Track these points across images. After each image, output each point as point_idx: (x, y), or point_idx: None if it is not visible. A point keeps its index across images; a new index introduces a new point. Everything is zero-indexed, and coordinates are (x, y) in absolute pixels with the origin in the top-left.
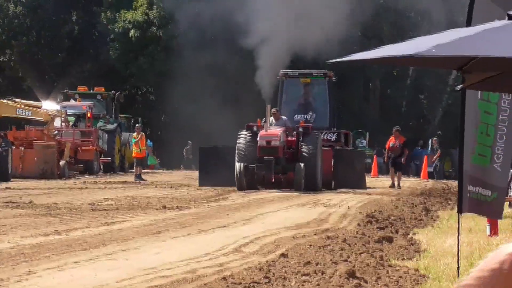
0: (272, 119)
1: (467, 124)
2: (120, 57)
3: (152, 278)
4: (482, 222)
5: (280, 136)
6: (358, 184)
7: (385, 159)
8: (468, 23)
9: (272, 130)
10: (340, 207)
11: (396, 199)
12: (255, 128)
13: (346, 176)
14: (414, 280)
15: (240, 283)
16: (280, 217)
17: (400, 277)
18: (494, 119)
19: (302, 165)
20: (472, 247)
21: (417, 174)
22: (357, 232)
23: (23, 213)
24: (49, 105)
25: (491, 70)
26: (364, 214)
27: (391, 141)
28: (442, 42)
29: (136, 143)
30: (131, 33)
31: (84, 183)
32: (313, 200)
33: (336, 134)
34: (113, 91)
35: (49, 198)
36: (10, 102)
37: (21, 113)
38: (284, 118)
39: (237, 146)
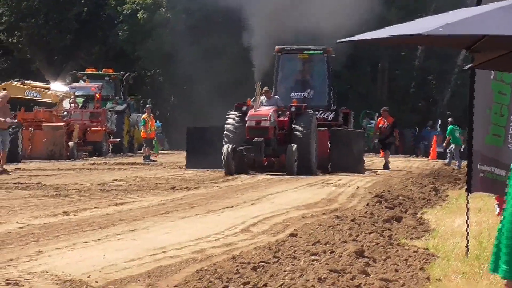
0: (263, 98)
1: (478, 105)
2: (128, 39)
3: (161, 258)
4: (491, 202)
5: (270, 116)
6: (355, 167)
7: (373, 140)
8: (478, 2)
9: (262, 110)
10: (349, 187)
11: (405, 179)
12: (244, 108)
13: (343, 158)
14: (423, 260)
15: (249, 262)
16: (289, 197)
17: (409, 257)
18: (507, 99)
19: (294, 147)
20: (481, 226)
21: (426, 154)
22: (366, 212)
23: (32, 194)
24: (58, 87)
25: (500, 49)
26: (373, 194)
27: (380, 122)
28: (450, 21)
29: (146, 123)
30: (140, 15)
31: (93, 164)
32: (322, 180)
33: (333, 113)
34: (121, 73)
35: (58, 179)
36: (19, 84)
37: (30, 94)
38: (276, 97)
39: (225, 127)
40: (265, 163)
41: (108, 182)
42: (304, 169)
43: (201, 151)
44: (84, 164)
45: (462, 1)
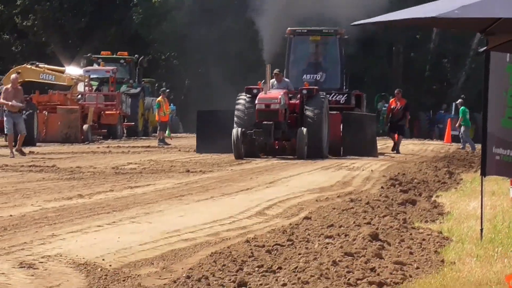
0: (274, 81)
1: (494, 87)
2: (143, 22)
3: (175, 241)
4: (505, 185)
5: (280, 99)
6: (368, 150)
7: (385, 122)
8: None
9: (272, 93)
10: (363, 170)
11: (420, 162)
12: (255, 91)
13: (356, 142)
14: (437, 243)
15: (263, 245)
16: (304, 180)
17: (423, 240)
18: None
19: (305, 130)
20: (496, 210)
21: (441, 137)
22: (380, 195)
23: (47, 177)
24: (73, 70)
25: None
26: (387, 177)
27: (392, 104)
28: (465, 4)
29: (161, 106)
30: None
31: (108, 147)
32: (336, 164)
33: (346, 96)
34: (136, 56)
35: (72, 162)
36: (33, 67)
37: (44, 77)
38: (287, 80)
39: (235, 110)
40: (277, 147)
41: (123, 165)
42: (315, 153)
43: (211, 135)
44: (98, 147)
45: None
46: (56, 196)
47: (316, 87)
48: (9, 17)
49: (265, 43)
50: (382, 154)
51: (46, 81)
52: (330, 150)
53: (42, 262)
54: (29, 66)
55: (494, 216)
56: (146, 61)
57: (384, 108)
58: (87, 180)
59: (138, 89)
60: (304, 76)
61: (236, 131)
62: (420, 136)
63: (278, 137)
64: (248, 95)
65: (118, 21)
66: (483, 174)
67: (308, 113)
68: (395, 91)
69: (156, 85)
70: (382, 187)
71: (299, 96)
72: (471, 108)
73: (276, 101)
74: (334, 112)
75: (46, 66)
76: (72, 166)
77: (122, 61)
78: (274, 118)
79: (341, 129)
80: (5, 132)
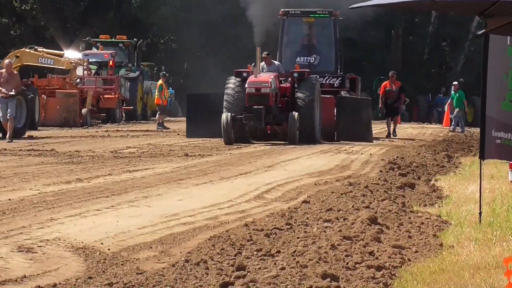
0: (264, 64)
1: (493, 71)
2: (142, 6)
3: (174, 225)
4: (504, 169)
5: (270, 83)
6: (363, 135)
7: (380, 105)
8: None
9: (262, 76)
10: (362, 154)
11: (419, 146)
12: (245, 74)
13: (350, 126)
14: (436, 226)
15: (262, 229)
16: (302, 164)
17: (422, 223)
18: None
19: (296, 114)
20: (494, 193)
21: (440, 121)
22: (379, 179)
23: (45, 161)
24: (71, 54)
25: None
26: (386, 161)
27: (386, 86)
28: None
29: (162, 90)
30: None
31: (106, 131)
32: (335, 148)
33: (340, 79)
34: (135, 40)
35: (71, 146)
36: (32, 51)
37: (43, 61)
38: (277, 63)
39: (225, 95)
40: (269, 132)
41: (122, 149)
42: (307, 138)
43: (201, 119)
44: (97, 131)
45: None
46: (55, 180)
47: (307, 69)
48: (7, 1)
49: (255, 25)
50: (377, 138)
51: (45, 65)
52: (323, 135)
53: (40, 246)
54: (28, 50)
55: (493, 200)
56: (144, 45)
57: None
58: (85, 164)
59: (137, 73)
60: (298, 58)
61: (225, 115)
62: (419, 120)
63: (269, 122)
64: (237, 79)
65: (117, 5)
66: (482, 157)
67: (299, 96)
68: (390, 73)
69: (155, 68)
70: (380, 171)
71: (290, 79)
72: (470, 91)
73: (267, 84)
74: (328, 96)
75: (44, 50)
76: (70, 150)
77: (121, 45)
78: (264, 102)
79: (335, 113)
80: (0, 119)
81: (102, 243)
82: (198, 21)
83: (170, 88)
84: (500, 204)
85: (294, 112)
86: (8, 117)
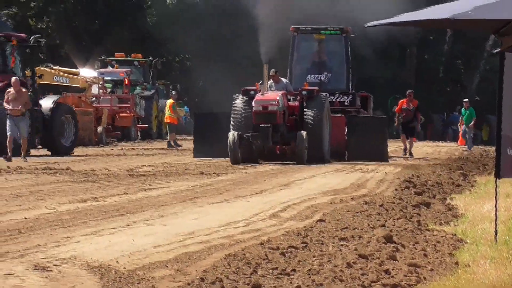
0: (271, 82)
1: (510, 89)
2: (157, 24)
3: (189, 244)
4: None
5: (278, 100)
6: (377, 155)
7: (396, 123)
8: None
9: (270, 94)
10: (377, 172)
11: (434, 165)
12: (252, 93)
13: (362, 146)
14: (451, 245)
15: (278, 248)
16: (318, 182)
17: (438, 242)
18: None
19: (304, 133)
20: (510, 211)
21: (455, 139)
22: (394, 197)
23: (61, 179)
24: (87, 72)
25: None
26: (401, 179)
27: (403, 104)
28: (479, 5)
29: (172, 108)
30: (168, 0)
31: (122, 149)
32: (350, 166)
33: (350, 97)
34: (150, 58)
35: (86, 164)
36: (47, 69)
37: (58, 80)
38: (285, 80)
39: (232, 113)
40: (278, 151)
41: (137, 167)
42: (316, 157)
43: (209, 139)
44: (112, 150)
45: None
46: (70, 199)
47: (316, 88)
48: (23, 19)
49: (261, 42)
50: (390, 158)
51: (60, 83)
52: (333, 154)
53: (56, 265)
54: (43, 68)
55: (508, 218)
56: (160, 63)
57: None
58: (101, 182)
59: (152, 91)
60: (308, 76)
61: (232, 134)
62: (434, 138)
63: (276, 141)
64: (244, 97)
65: (132, 23)
66: (497, 176)
67: (308, 115)
68: (407, 92)
69: (171, 87)
70: (396, 189)
71: (298, 97)
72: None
73: (274, 102)
74: (338, 114)
75: (60, 68)
76: (86, 168)
77: (136, 63)
78: (272, 120)
79: (345, 132)
80: (7, 133)
81: (117, 262)
82: (212, 39)
83: (185, 106)
84: None
85: (302, 131)
86: (19, 139)
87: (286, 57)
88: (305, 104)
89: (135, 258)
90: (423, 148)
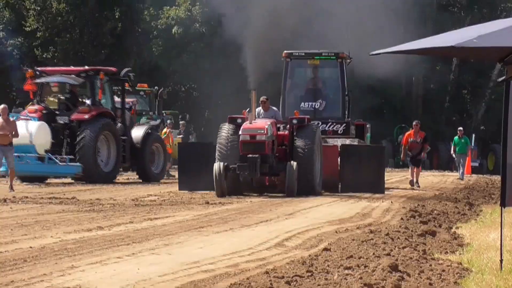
0: (260, 109)
1: None
2: (163, 54)
3: (194, 273)
4: None
5: (267, 129)
6: (373, 186)
7: (402, 156)
8: None
9: (258, 122)
10: (383, 201)
11: (440, 194)
12: (239, 121)
13: (357, 176)
14: (457, 274)
15: (283, 277)
16: (323, 212)
17: (443, 271)
18: None
19: (294, 164)
20: None
21: None
22: (400, 226)
23: (66, 209)
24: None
25: None
26: (407, 209)
27: (410, 136)
28: (483, 33)
29: (167, 137)
30: (174, 29)
31: (127, 179)
32: (356, 195)
33: (344, 125)
34: (156, 88)
35: (92, 194)
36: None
37: None
38: (275, 108)
39: (217, 142)
40: (267, 183)
41: (142, 197)
42: (307, 189)
43: (194, 170)
44: (118, 179)
45: (496, 14)
46: (76, 228)
47: (307, 116)
48: (29, 49)
49: (249, 66)
50: (390, 189)
51: None
52: (326, 186)
53: None
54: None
55: None
56: (165, 93)
57: None
58: (106, 212)
59: (158, 121)
60: (302, 104)
61: (217, 165)
62: (439, 168)
63: (265, 172)
64: (231, 126)
65: (138, 53)
66: (503, 205)
67: (298, 145)
68: (414, 123)
69: (180, 116)
70: (402, 219)
71: (288, 126)
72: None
73: (263, 131)
74: (330, 144)
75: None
76: (91, 198)
77: (141, 93)
78: (260, 150)
79: (338, 163)
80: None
81: None
82: (218, 69)
83: (190, 136)
84: None
85: (292, 162)
86: (8, 170)
87: (276, 84)
88: (295, 133)
89: (141, 287)
90: (429, 178)
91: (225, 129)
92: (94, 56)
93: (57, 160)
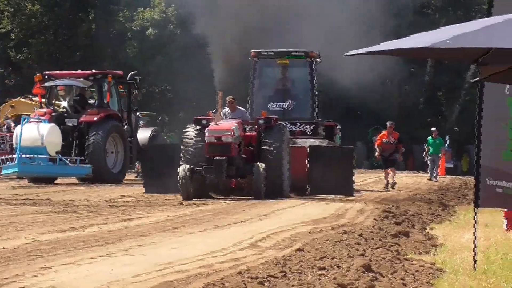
0: (227, 109)
1: (490, 120)
2: (137, 56)
3: (168, 273)
4: (499, 217)
5: (233, 130)
6: (342, 188)
7: (377, 156)
8: (488, 13)
9: (224, 123)
10: (357, 202)
11: (414, 195)
12: (204, 122)
13: (326, 179)
14: (430, 274)
15: (256, 277)
16: (297, 212)
17: (417, 271)
18: None
19: (262, 166)
20: (489, 241)
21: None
22: (373, 227)
23: (40, 210)
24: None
25: (507, 62)
26: (381, 209)
27: (384, 137)
28: (457, 34)
29: None
30: (149, 31)
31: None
32: (330, 196)
33: (312, 126)
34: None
35: (66, 195)
36: (27, 101)
37: None
38: (241, 109)
39: (182, 144)
40: (234, 186)
41: (116, 198)
42: (275, 192)
43: (159, 173)
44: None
45: (471, 15)
46: (49, 229)
47: (275, 116)
48: (3, 50)
49: (215, 66)
50: (358, 191)
51: None
52: (294, 188)
53: None
54: (23, 100)
55: (487, 248)
56: (140, 95)
57: None
58: (80, 213)
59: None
60: (271, 104)
61: (183, 168)
62: (414, 169)
63: (231, 174)
64: (197, 127)
65: (113, 55)
66: (476, 205)
67: (265, 146)
68: (387, 124)
69: (158, 118)
70: (375, 219)
71: (255, 127)
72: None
73: (229, 133)
74: (298, 145)
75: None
76: (65, 199)
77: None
78: (226, 152)
79: (307, 165)
80: None
81: None
82: (192, 70)
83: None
84: (494, 252)
85: (259, 163)
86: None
87: (243, 84)
88: (262, 134)
89: None
90: (403, 179)
91: (191, 131)
92: (69, 57)
93: (67, 162)
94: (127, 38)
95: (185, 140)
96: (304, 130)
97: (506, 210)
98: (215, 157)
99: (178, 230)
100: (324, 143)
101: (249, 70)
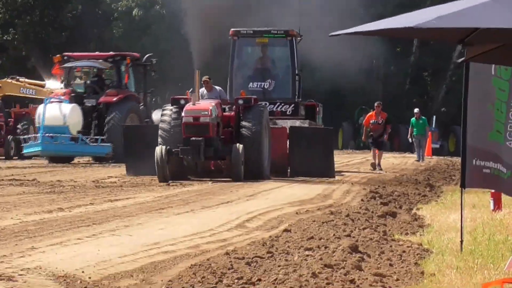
0: (204, 90)
1: (477, 100)
2: (123, 36)
3: (155, 254)
4: (485, 198)
5: (211, 110)
6: (323, 170)
7: (363, 137)
8: None
9: (202, 103)
10: (343, 183)
11: (400, 175)
12: (182, 102)
13: (307, 161)
14: (417, 255)
15: (243, 258)
16: (284, 193)
17: (404, 252)
18: (506, 96)
19: (241, 147)
20: (476, 222)
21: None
22: (360, 208)
23: (27, 190)
24: (53, 84)
25: (493, 42)
26: (367, 190)
27: (372, 117)
28: (442, 14)
29: None
30: (135, 12)
31: (88, 161)
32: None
33: (292, 106)
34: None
35: (53, 176)
36: (14, 81)
37: (25, 92)
38: (218, 88)
39: (160, 125)
40: (212, 168)
41: (103, 179)
42: (254, 173)
43: (140, 154)
44: (79, 161)
45: None
46: (36, 210)
47: (254, 96)
48: None
49: (192, 45)
50: (339, 172)
51: (26, 95)
52: (274, 170)
53: (21, 275)
54: (10, 80)
55: (474, 228)
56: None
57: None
58: (67, 193)
59: None
60: (250, 84)
61: (159, 149)
62: (400, 150)
63: (209, 156)
64: (174, 107)
65: (99, 35)
66: (463, 186)
67: (244, 126)
68: (375, 104)
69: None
70: (362, 200)
71: (234, 107)
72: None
73: (206, 113)
74: (278, 126)
75: (26, 80)
76: (52, 180)
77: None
78: (204, 133)
79: (287, 146)
80: None
81: (83, 272)
82: (179, 52)
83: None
84: (481, 232)
85: (238, 144)
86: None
87: (222, 63)
88: (241, 114)
89: (101, 268)
90: (389, 160)
91: (168, 111)
92: (55, 38)
93: (87, 141)
94: (113, 18)
95: (162, 121)
96: (284, 110)
97: (493, 190)
98: (192, 138)
99: (165, 211)
100: (306, 123)
101: (228, 49)
